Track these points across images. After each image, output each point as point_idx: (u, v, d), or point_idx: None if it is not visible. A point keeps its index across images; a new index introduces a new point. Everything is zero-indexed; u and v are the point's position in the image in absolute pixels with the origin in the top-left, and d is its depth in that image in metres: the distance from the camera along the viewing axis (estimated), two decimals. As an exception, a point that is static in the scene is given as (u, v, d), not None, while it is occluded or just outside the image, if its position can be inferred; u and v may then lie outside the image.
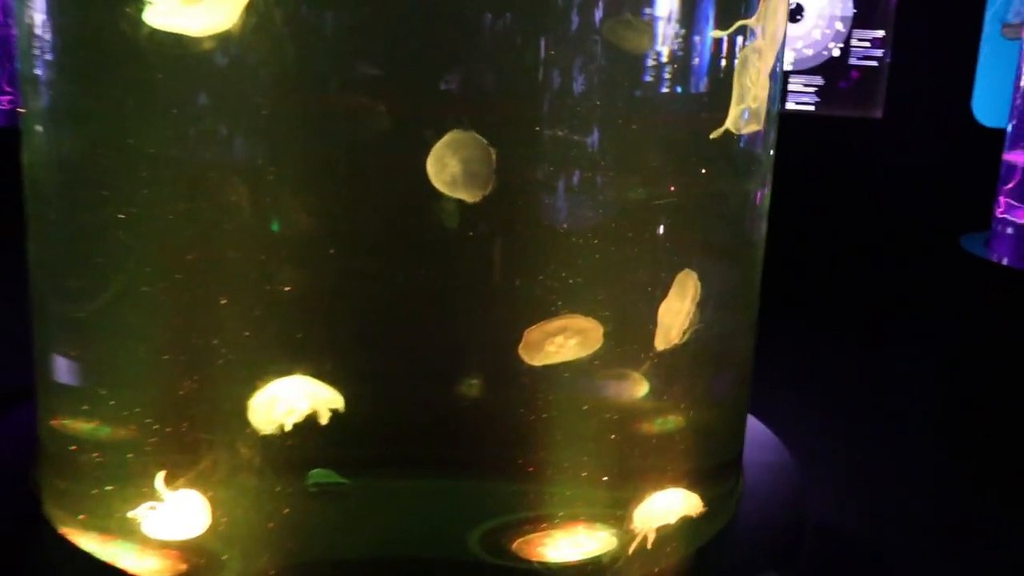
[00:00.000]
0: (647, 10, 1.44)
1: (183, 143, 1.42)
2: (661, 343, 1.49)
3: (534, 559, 1.55)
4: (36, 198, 1.64)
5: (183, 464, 1.48)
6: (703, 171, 1.60)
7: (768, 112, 1.67)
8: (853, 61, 5.55)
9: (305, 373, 1.41)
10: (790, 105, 5.59)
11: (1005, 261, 3.54)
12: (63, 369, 1.65)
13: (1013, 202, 3.63)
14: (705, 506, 1.65)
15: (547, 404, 1.52)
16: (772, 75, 1.64)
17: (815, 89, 5.59)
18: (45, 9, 1.49)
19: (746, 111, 1.50)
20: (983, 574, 2.68)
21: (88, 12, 1.46)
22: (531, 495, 1.58)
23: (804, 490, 1.93)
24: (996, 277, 3.50)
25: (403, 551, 1.56)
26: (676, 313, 1.43)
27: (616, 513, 1.60)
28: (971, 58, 5.40)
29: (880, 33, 5.50)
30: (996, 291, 3.47)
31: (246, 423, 1.41)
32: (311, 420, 1.39)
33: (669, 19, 1.47)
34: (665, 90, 1.51)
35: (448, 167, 1.24)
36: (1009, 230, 3.65)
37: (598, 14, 1.38)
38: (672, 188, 1.55)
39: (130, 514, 1.49)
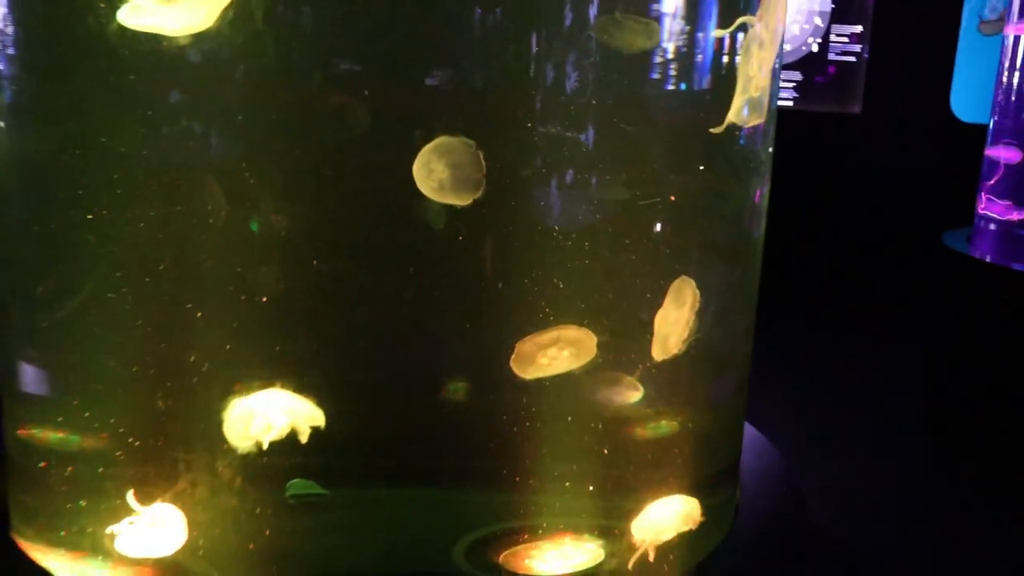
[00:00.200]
0: (639, 8, 1.40)
1: (155, 143, 1.37)
2: (659, 353, 1.45)
3: (522, 572, 1.51)
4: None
5: (157, 479, 1.43)
6: (702, 171, 1.56)
7: (768, 108, 1.64)
8: (832, 56, 5.54)
9: (284, 385, 1.35)
10: (769, 100, 5.57)
11: (988, 258, 3.53)
12: (29, 378, 1.58)
13: (995, 198, 3.62)
14: (704, 515, 1.62)
15: (537, 412, 1.48)
16: (772, 71, 1.61)
17: (794, 84, 5.58)
18: (6, 2, 1.42)
19: (746, 107, 1.47)
20: (972, 571, 2.67)
21: (54, 6, 1.40)
22: (520, 505, 1.55)
23: (801, 496, 1.90)
24: (979, 274, 3.49)
25: (387, 565, 1.52)
26: (674, 322, 1.38)
27: (612, 525, 1.56)
28: (949, 54, 5.41)
29: (858, 28, 5.49)
30: (979, 288, 3.46)
31: (222, 438, 1.36)
32: (290, 435, 1.34)
33: (661, 17, 1.43)
34: (660, 88, 1.47)
35: (435, 172, 1.19)
36: (992, 226, 3.64)
37: (591, 11, 1.34)
38: (670, 189, 1.51)
39: (102, 530, 1.44)
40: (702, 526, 1.63)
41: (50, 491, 1.54)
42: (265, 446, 1.33)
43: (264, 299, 1.37)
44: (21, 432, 1.62)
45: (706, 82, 1.52)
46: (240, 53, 1.30)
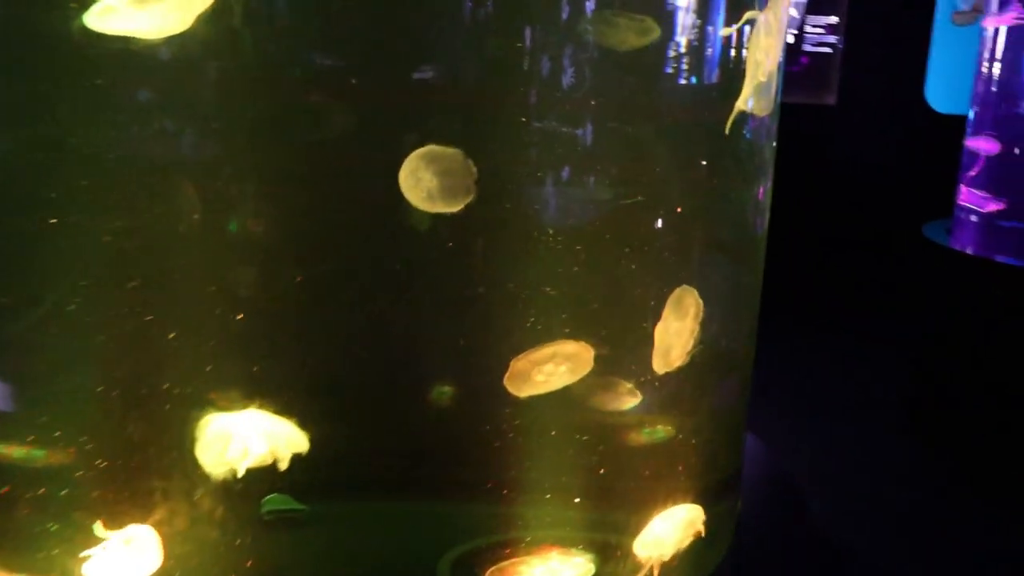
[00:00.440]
0: (633, 5, 1.35)
1: (126, 145, 1.30)
2: (661, 366, 1.40)
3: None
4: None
5: (129, 501, 1.37)
6: (706, 170, 1.52)
7: (775, 99, 1.61)
8: (807, 47, 5.54)
9: (263, 405, 1.29)
10: (745, 92, 5.55)
11: (969, 250, 3.53)
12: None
13: (975, 191, 3.62)
14: (707, 526, 1.58)
15: (528, 422, 1.43)
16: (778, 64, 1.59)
17: (769, 75, 5.58)
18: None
19: (753, 95, 1.43)
20: (958, 566, 2.66)
21: (16, 5, 1.33)
22: (509, 519, 1.50)
23: (804, 503, 1.87)
24: (960, 266, 3.48)
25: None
26: (677, 333, 1.34)
27: (609, 539, 1.52)
28: (924, 44, 5.41)
29: (833, 19, 5.49)
30: (961, 280, 3.45)
31: (197, 460, 1.30)
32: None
33: (662, 13, 1.38)
34: (660, 85, 1.43)
35: (423, 181, 1.13)
36: (972, 218, 3.63)
37: (579, 9, 1.30)
38: (672, 190, 1.47)
39: (73, 555, 1.37)
40: (705, 538, 1.59)
41: (15, 513, 1.47)
42: (241, 473, 1.27)
43: (242, 311, 1.31)
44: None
45: (709, 77, 1.48)
46: (216, 51, 1.24)
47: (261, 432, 1.22)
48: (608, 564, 1.53)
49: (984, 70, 3.64)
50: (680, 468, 1.60)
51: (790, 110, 5.87)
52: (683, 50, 1.43)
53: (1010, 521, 2.90)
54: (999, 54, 3.55)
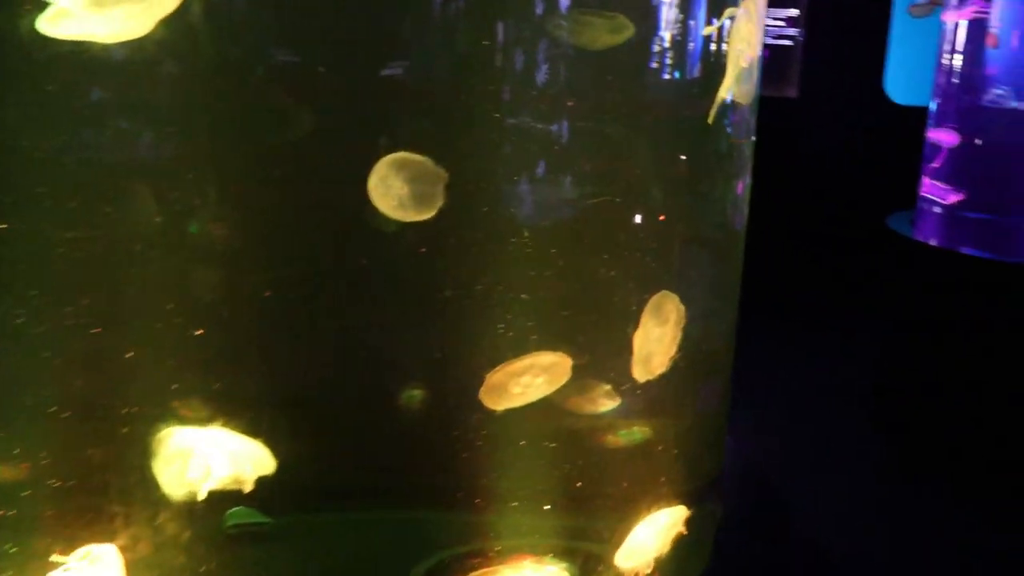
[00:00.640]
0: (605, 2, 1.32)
1: (79, 149, 1.24)
2: (642, 374, 1.37)
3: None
4: None
5: (89, 519, 1.31)
6: (685, 168, 1.49)
7: (755, 91, 1.60)
8: (767, 40, 5.55)
9: (228, 422, 1.24)
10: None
11: (933, 242, 3.55)
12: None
13: (938, 182, 3.64)
14: (689, 530, 1.55)
15: (503, 429, 1.40)
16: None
17: (731, 69, 5.59)
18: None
19: (735, 83, 1.42)
20: (926, 558, 2.68)
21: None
22: (483, 527, 1.47)
23: (784, 503, 1.86)
24: (924, 257, 3.50)
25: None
26: (658, 340, 1.31)
27: (587, 547, 1.49)
28: (884, 36, 5.45)
29: (793, 11, 5.50)
30: (925, 271, 3.48)
31: (156, 479, 1.25)
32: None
33: (638, 9, 1.35)
34: (635, 83, 1.40)
35: (393, 189, 1.09)
36: (936, 209, 3.66)
37: (548, 8, 1.27)
38: (650, 188, 1.44)
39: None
40: (687, 544, 1.57)
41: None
42: (202, 495, 1.22)
43: (205, 323, 1.26)
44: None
45: (688, 72, 1.46)
46: (175, 52, 1.18)
47: (224, 451, 1.16)
48: (588, 574, 1.50)
49: (945, 62, 3.66)
50: (661, 474, 1.57)
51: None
52: (660, 46, 1.40)
53: (979, 512, 2.93)
54: (959, 46, 3.58)
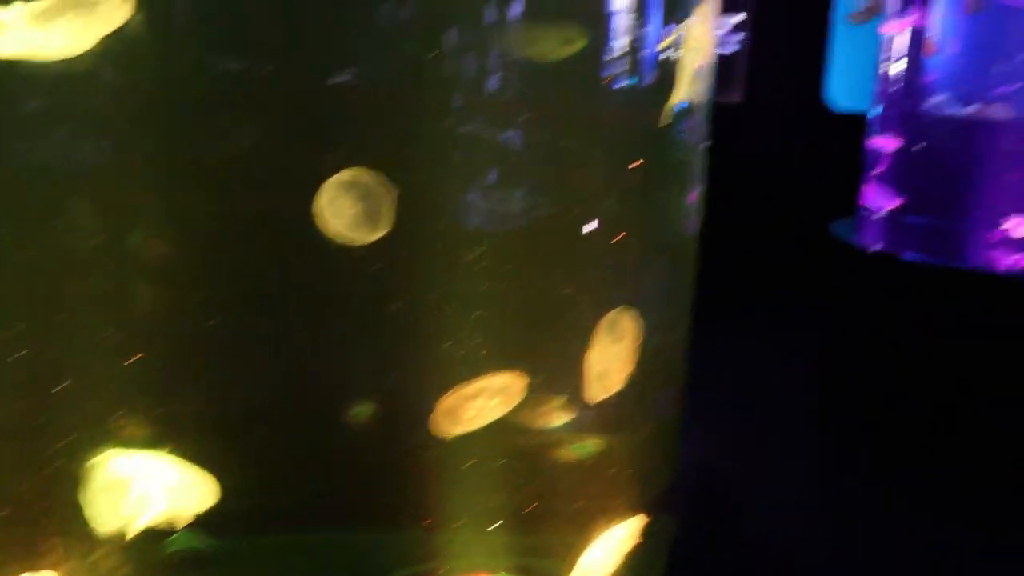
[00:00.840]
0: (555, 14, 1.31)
1: (9, 161, 1.19)
2: (598, 393, 1.36)
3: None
4: None
5: (20, 553, 1.26)
6: (638, 175, 1.48)
7: (708, 95, 1.60)
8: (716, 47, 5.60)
9: (170, 447, 1.19)
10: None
11: (875, 247, 3.60)
12: None
13: (879, 188, 3.69)
14: (643, 541, 1.54)
15: (454, 447, 1.37)
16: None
17: (677, 74, 5.62)
18: None
19: (687, 85, 1.42)
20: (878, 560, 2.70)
21: None
22: (434, 547, 1.44)
23: (738, 508, 1.86)
24: (866, 263, 3.55)
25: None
26: (614, 358, 1.29)
27: (540, 564, 1.47)
28: (826, 43, 5.53)
29: (740, 16, 5.55)
30: (869, 278, 3.52)
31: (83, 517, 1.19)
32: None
33: (590, 19, 1.34)
34: (588, 94, 1.39)
35: (343, 208, 1.06)
36: (877, 215, 3.71)
37: (499, 19, 1.25)
38: (603, 201, 1.43)
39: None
40: (643, 556, 1.56)
41: None
42: (133, 532, 1.16)
43: (144, 345, 1.21)
44: None
45: (642, 81, 1.45)
46: (115, 62, 1.14)
47: (162, 484, 1.10)
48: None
49: (885, 70, 3.72)
50: (616, 487, 1.57)
51: (698, 108, 5.88)
52: (612, 56, 1.39)
53: (922, 511, 2.97)
54: (898, 54, 3.64)
